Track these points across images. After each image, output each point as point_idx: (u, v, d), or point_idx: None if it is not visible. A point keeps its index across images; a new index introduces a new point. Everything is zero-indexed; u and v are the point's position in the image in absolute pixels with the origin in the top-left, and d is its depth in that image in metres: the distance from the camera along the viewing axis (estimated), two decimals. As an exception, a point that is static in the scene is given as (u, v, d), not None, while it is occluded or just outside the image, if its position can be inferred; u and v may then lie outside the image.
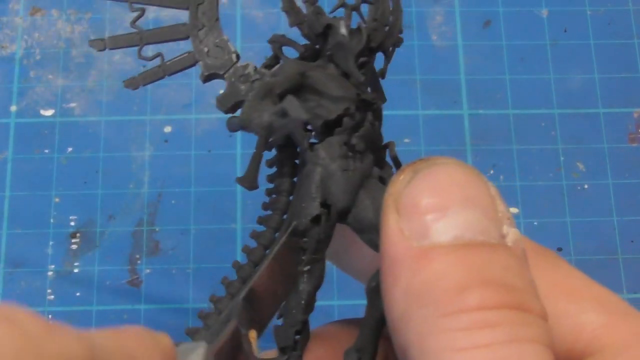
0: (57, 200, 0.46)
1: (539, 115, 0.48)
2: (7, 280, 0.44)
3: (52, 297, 0.44)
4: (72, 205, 0.45)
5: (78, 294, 0.44)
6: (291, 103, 0.25)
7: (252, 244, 0.26)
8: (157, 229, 0.45)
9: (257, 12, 0.50)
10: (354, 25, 0.26)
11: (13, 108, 0.48)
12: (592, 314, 0.21)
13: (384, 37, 0.26)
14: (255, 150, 0.26)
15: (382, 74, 0.27)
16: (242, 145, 0.47)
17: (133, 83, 0.27)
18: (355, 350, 0.25)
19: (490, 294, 0.19)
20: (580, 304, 0.22)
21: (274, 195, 0.26)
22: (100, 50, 0.27)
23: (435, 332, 0.19)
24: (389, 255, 0.20)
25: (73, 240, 0.45)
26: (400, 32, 0.27)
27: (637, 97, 0.49)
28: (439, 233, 0.20)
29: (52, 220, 0.45)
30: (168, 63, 0.27)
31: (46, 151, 0.47)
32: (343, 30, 0.25)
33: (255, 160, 0.26)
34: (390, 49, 0.27)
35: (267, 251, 0.26)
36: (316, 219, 0.24)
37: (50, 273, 0.44)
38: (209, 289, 0.44)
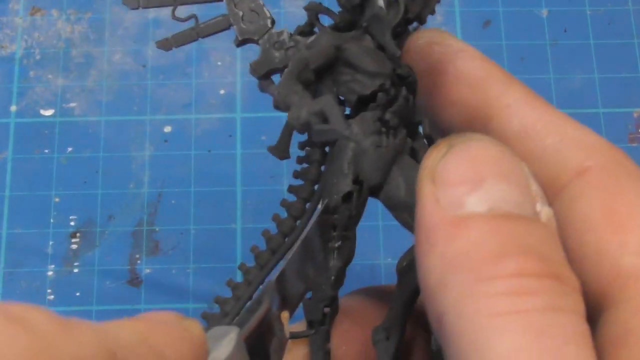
0: (57, 200, 0.46)
1: (539, 115, 0.48)
2: (7, 280, 0.44)
3: (52, 297, 0.44)
4: (72, 205, 0.45)
5: (78, 293, 0.44)
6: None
7: (282, 212, 0.26)
8: (157, 229, 0.45)
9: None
10: None
11: (13, 108, 0.48)
12: (633, 258, 0.20)
13: (421, 8, 0.26)
14: (287, 120, 0.25)
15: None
16: (242, 146, 0.47)
17: (165, 45, 0.26)
18: (384, 328, 0.25)
19: (528, 262, 0.18)
20: (625, 242, 0.21)
21: (304, 165, 0.26)
22: (134, 9, 0.26)
23: (473, 297, 0.18)
24: (425, 224, 0.20)
25: (73, 240, 0.45)
26: (438, 1, 0.27)
27: (637, 97, 0.49)
28: (475, 204, 0.19)
29: (52, 220, 0.45)
30: (202, 25, 0.27)
31: (46, 151, 0.47)
32: (380, 2, 0.25)
33: (287, 130, 0.26)
34: (415, 25, 0.27)
35: (298, 222, 0.25)
36: (348, 196, 0.24)
37: (50, 273, 0.44)
38: (209, 288, 0.44)
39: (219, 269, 0.45)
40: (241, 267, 0.25)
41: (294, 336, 0.25)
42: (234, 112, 0.48)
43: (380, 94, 0.24)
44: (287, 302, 0.23)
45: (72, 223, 0.45)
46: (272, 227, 0.26)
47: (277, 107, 0.25)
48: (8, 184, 0.46)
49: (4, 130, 0.47)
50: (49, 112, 0.48)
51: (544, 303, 0.18)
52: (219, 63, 0.49)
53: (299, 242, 0.23)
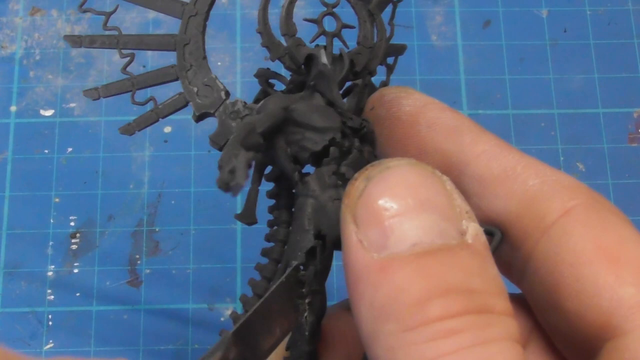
0: (57, 200, 0.46)
1: (539, 115, 0.48)
2: (7, 281, 0.44)
3: (52, 297, 0.44)
4: (72, 206, 0.45)
5: (78, 294, 0.44)
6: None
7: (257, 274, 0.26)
8: (157, 230, 0.45)
9: (257, 12, 0.50)
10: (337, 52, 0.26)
11: (13, 108, 0.48)
12: (631, 289, 0.21)
13: (368, 60, 0.26)
14: (250, 186, 0.26)
15: (386, 85, 0.27)
16: (242, 146, 0.47)
17: (128, 129, 0.28)
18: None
19: (451, 303, 0.19)
20: (620, 274, 0.21)
21: (274, 227, 0.26)
22: (95, 99, 0.28)
23: (403, 347, 0.19)
24: (352, 269, 0.20)
25: (73, 241, 0.45)
26: (387, 53, 0.27)
27: (637, 97, 0.49)
28: (397, 242, 0.20)
29: (52, 221, 0.45)
30: (160, 106, 0.28)
31: (46, 151, 0.47)
32: (324, 59, 0.25)
33: (252, 195, 0.26)
34: (390, 61, 0.27)
35: (271, 283, 0.26)
36: (311, 251, 0.24)
37: (50, 273, 0.44)
38: (209, 289, 0.44)
39: (219, 269, 0.45)
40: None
41: None
42: (233, 112, 0.48)
43: (332, 148, 0.25)
44: (248, 357, 0.22)
45: (72, 223, 0.45)
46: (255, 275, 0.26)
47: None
48: (8, 184, 0.46)
49: (4, 130, 0.47)
50: (48, 113, 0.48)
51: (470, 340, 0.19)
52: (219, 63, 0.49)
53: (262, 299, 0.23)
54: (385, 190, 0.20)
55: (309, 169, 0.26)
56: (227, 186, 0.23)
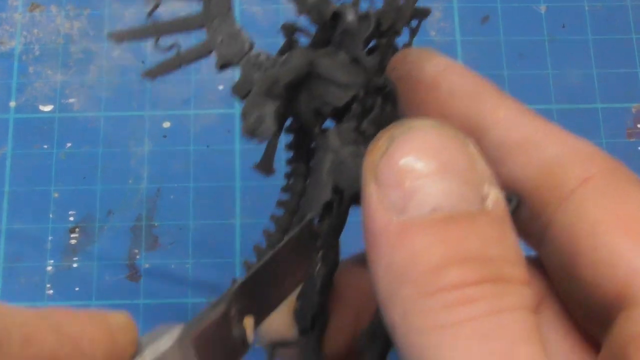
0: (56, 195, 0.46)
1: (537, 110, 0.47)
2: (6, 275, 0.44)
3: (51, 291, 0.44)
4: (71, 201, 0.46)
5: (77, 288, 0.44)
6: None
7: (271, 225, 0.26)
8: (156, 224, 0.45)
9: (257, 7, 0.50)
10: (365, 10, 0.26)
11: (12, 104, 0.48)
12: None
13: (394, 19, 0.26)
14: (271, 137, 0.26)
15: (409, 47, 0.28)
16: (241, 141, 0.47)
17: (151, 73, 0.28)
18: (369, 332, 0.25)
19: (468, 271, 0.19)
20: (638, 243, 0.21)
21: (291, 179, 0.26)
22: (119, 43, 0.27)
23: (418, 312, 0.19)
24: (371, 229, 0.20)
25: (72, 235, 0.45)
26: (412, 11, 0.27)
27: (635, 93, 0.49)
28: (417, 205, 0.20)
29: (51, 215, 0.45)
30: (184, 53, 0.27)
31: (45, 146, 0.47)
32: (350, 17, 0.25)
33: (271, 146, 0.26)
34: (417, 23, 0.27)
35: (286, 236, 0.25)
36: (328, 205, 0.24)
37: (49, 268, 0.44)
38: (208, 284, 0.44)
39: (218, 264, 0.45)
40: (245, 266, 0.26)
41: (286, 345, 0.25)
42: (232, 107, 0.48)
43: (354, 105, 0.25)
44: (254, 309, 0.22)
45: (71, 218, 0.45)
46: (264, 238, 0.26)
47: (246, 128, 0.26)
48: (7, 180, 0.46)
49: (3, 125, 0.47)
50: (48, 108, 0.48)
51: (486, 308, 0.19)
52: (218, 59, 0.49)
53: (276, 249, 0.23)
54: (409, 151, 0.20)
55: (329, 125, 0.26)
56: (253, 133, 0.23)
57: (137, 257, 0.45)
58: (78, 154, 0.47)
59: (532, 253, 0.25)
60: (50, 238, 0.45)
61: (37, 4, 0.50)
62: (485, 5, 0.51)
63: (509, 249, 0.20)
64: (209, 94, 0.48)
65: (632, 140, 0.48)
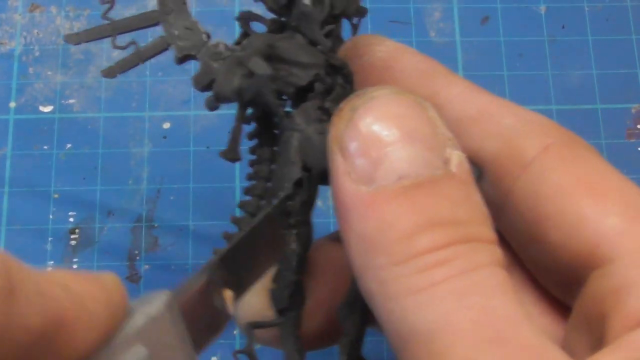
0: (56, 196, 0.46)
1: (537, 111, 0.47)
2: (7, 276, 0.44)
3: (51, 292, 0.44)
4: (71, 202, 0.46)
5: (77, 289, 0.44)
6: (256, 62, 0.25)
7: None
8: (156, 225, 0.45)
9: (255, 9, 0.50)
10: None
11: (12, 104, 0.48)
12: (615, 218, 0.22)
13: (346, 4, 0.27)
14: (234, 124, 0.27)
15: None
16: (241, 142, 0.47)
17: (111, 72, 0.28)
18: (347, 304, 0.26)
19: (438, 235, 0.19)
20: (603, 206, 0.22)
21: (256, 165, 0.27)
22: (76, 44, 0.28)
23: (393, 279, 0.19)
24: (340, 201, 0.21)
25: (72, 237, 0.45)
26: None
27: (635, 93, 0.49)
28: (384, 175, 0.20)
29: (51, 217, 0.45)
30: (142, 49, 0.28)
31: (45, 147, 0.47)
32: (306, 1, 0.26)
33: (235, 133, 0.27)
34: (355, 22, 0.28)
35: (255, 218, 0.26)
36: (299, 182, 0.25)
37: (49, 269, 0.44)
38: (208, 284, 0.44)
39: (218, 265, 0.45)
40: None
41: (263, 325, 0.25)
42: (233, 108, 0.48)
43: (317, 84, 0.25)
44: (233, 283, 0.23)
45: (71, 219, 0.45)
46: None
47: (217, 97, 0.27)
48: (7, 180, 0.46)
49: (2, 126, 0.47)
50: (48, 109, 0.48)
51: (459, 267, 0.19)
52: (218, 59, 0.49)
53: (250, 226, 0.24)
54: (372, 120, 0.21)
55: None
56: (220, 93, 0.26)
57: (137, 258, 0.45)
58: (78, 155, 0.47)
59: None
60: (50, 239, 0.45)
61: (37, 4, 0.50)
62: (485, 5, 0.51)
63: (476, 210, 0.21)
64: (209, 95, 0.48)
65: (632, 140, 0.48)
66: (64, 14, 0.50)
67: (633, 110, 0.49)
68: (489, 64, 0.50)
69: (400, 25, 0.50)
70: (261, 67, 0.25)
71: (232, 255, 0.23)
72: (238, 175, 0.46)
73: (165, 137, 0.47)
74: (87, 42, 0.28)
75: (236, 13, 0.51)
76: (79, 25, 0.50)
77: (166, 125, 0.47)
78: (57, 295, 0.17)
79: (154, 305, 0.20)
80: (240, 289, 0.23)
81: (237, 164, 0.47)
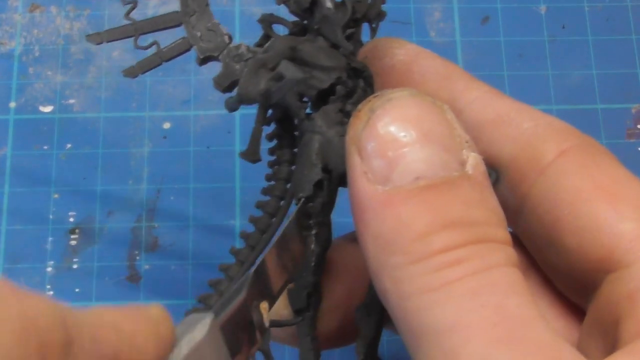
0: (56, 196, 0.46)
1: (537, 111, 0.48)
2: (7, 276, 0.44)
3: (52, 292, 0.44)
4: (71, 201, 0.46)
5: (77, 289, 0.44)
6: (286, 66, 0.26)
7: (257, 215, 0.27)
8: (156, 225, 0.45)
9: (256, 8, 0.50)
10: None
11: (12, 104, 0.48)
12: (631, 224, 0.22)
13: (367, 8, 0.27)
14: (255, 125, 0.27)
15: None
16: (241, 142, 0.47)
17: (132, 72, 0.28)
18: (364, 306, 0.26)
19: (454, 235, 0.20)
20: (620, 210, 0.22)
21: (276, 166, 0.27)
22: (98, 44, 0.28)
23: (408, 278, 0.20)
24: (357, 201, 0.21)
25: (72, 236, 0.45)
26: (383, 2, 0.28)
27: (635, 93, 0.49)
28: (401, 175, 0.20)
29: (51, 216, 0.45)
30: (164, 50, 0.28)
31: (45, 147, 0.47)
32: (328, 4, 0.26)
33: (256, 134, 0.27)
34: (374, 25, 0.28)
35: (273, 219, 0.26)
36: (319, 184, 0.25)
37: (49, 269, 0.44)
38: (208, 285, 0.44)
39: (218, 265, 0.45)
40: (221, 266, 0.27)
41: (280, 325, 0.26)
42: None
43: (338, 87, 0.26)
44: (267, 294, 0.23)
45: (71, 219, 0.45)
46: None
47: (240, 99, 0.27)
48: (7, 180, 0.46)
49: (3, 126, 0.47)
50: (48, 109, 0.48)
51: (474, 267, 0.19)
52: (218, 59, 0.49)
53: (276, 237, 0.24)
54: (389, 121, 0.21)
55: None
56: (244, 95, 0.26)
57: (137, 258, 0.45)
58: (78, 155, 0.47)
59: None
60: (50, 239, 0.45)
61: (37, 4, 0.50)
62: (485, 5, 0.51)
63: (491, 212, 0.21)
64: (209, 95, 0.48)
65: (632, 140, 0.48)
66: (64, 14, 0.50)
67: (633, 110, 0.49)
68: (489, 64, 0.50)
69: (400, 25, 0.50)
70: (292, 70, 0.25)
71: (262, 267, 0.23)
72: (238, 175, 0.46)
73: (165, 137, 0.47)
74: (109, 42, 0.28)
75: (236, 13, 0.51)
76: (79, 26, 0.50)
77: (166, 125, 0.47)
78: (110, 340, 0.18)
79: (197, 330, 0.20)
80: (272, 300, 0.24)
81: (237, 164, 0.47)
